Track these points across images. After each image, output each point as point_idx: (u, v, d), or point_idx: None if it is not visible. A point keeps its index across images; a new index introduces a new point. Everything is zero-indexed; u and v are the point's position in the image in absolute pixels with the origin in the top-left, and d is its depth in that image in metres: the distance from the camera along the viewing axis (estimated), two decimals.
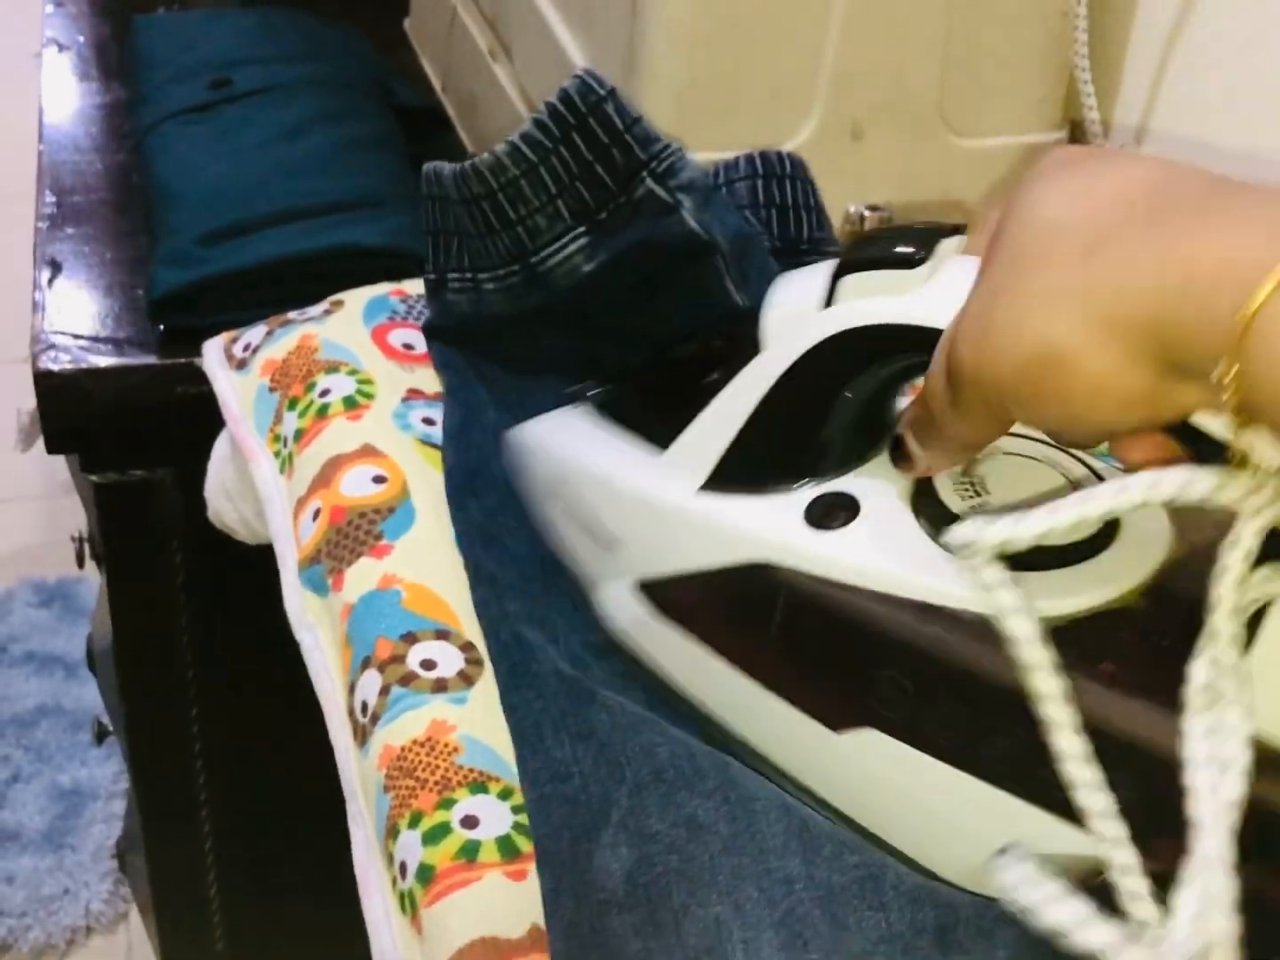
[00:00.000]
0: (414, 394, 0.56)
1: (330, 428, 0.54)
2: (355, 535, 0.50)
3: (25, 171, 0.90)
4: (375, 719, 0.44)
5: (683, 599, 0.42)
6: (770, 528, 0.39)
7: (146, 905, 1.05)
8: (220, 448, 0.63)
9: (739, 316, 0.51)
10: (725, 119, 0.66)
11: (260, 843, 0.93)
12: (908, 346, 0.37)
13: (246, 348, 0.59)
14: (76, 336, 0.72)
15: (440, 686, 0.45)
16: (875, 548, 0.38)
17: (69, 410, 0.71)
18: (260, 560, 0.73)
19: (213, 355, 0.60)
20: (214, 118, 0.80)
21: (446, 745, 0.43)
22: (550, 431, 0.48)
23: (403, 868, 0.41)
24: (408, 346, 0.58)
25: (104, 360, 0.71)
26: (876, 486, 0.39)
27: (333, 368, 0.56)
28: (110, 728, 1.15)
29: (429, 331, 0.57)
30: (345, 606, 0.48)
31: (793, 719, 0.39)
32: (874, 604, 0.37)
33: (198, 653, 0.81)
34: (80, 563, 1.21)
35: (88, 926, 1.31)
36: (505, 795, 0.42)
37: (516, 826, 0.41)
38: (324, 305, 0.60)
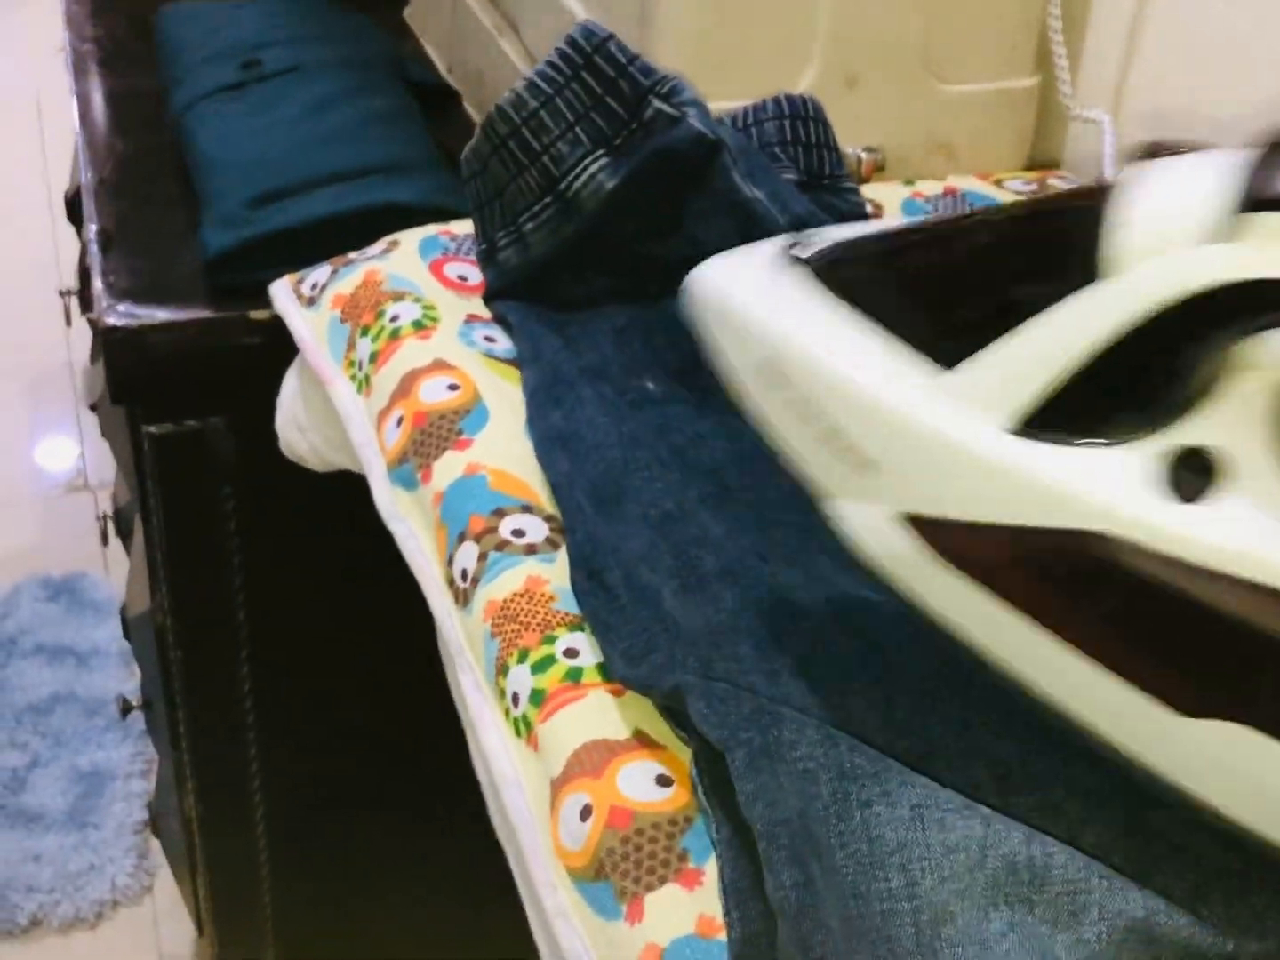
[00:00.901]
0: (473, 318, 0.62)
1: (403, 347, 0.60)
2: (438, 434, 0.56)
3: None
4: (475, 581, 0.51)
5: (977, 550, 0.35)
6: (1108, 490, 0.32)
7: (183, 868, 1.10)
8: (289, 384, 0.68)
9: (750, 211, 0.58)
10: (732, 70, 0.72)
11: (310, 796, 0.98)
12: None
13: (314, 286, 0.65)
14: (133, 296, 0.78)
15: (531, 550, 0.51)
16: (1248, 525, 0.31)
17: (131, 362, 0.77)
18: (312, 505, 0.79)
19: (282, 294, 0.66)
20: (247, 96, 0.86)
21: (543, 595, 0.49)
22: (760, 299, 0.39)
23: (515, 698, 0.47)
24: (462, 278, 0.65)
25: (162, 314, 0.76)
26: (1239, 439, 0.32)
27: (398, 296, 0.62)
28: (135, 702, 1.20)
29: (490, 297, 0.63)
30: (436, 495, 0.54)
31: (1127, 697, 0.34)
32: (1250, 595, 0.31)
33: (250, 599, 0.87)
34: (105, 539, 1.26)
35: (114, 900, 1.36)
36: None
37: None
38: (382, 245, 0.66)
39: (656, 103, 0.59)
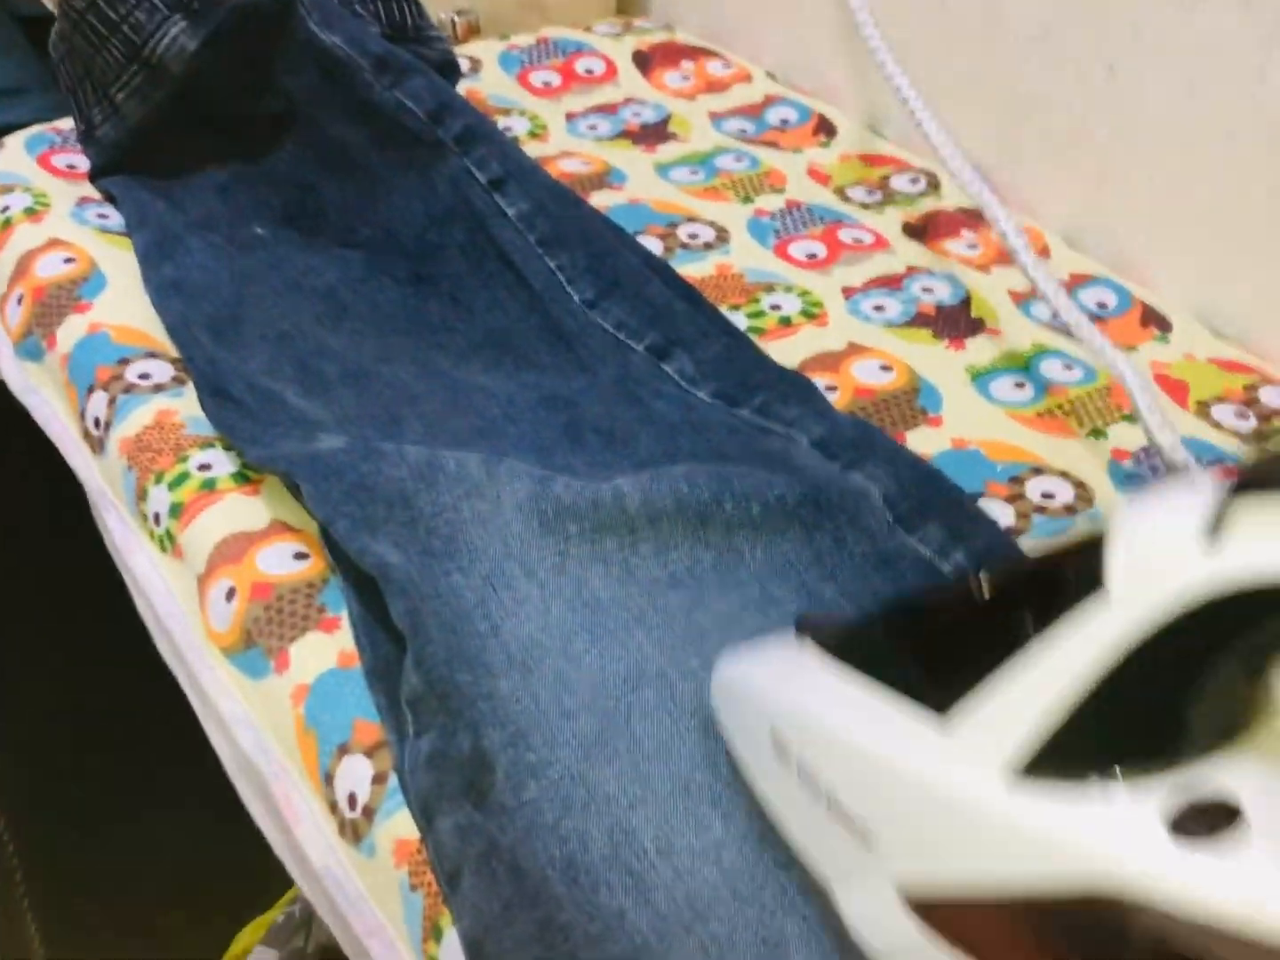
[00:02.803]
0: (86, 199, 0.64)
1: (15, 233, 0.61)
2: (58, 304, 0.58)
3: None
4: (108, 425, 0.53)
5: (981, 931, 0.32)
6: (1119, 843, 0.29)
7: None
8: None
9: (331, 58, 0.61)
10: None
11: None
12: None
13: None
14: None
15: (159, 389, 0.54)
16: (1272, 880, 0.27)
17: None
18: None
19: None
20: None
21: (173, 424, 0.52)
22: (769, 675, 0.38)
23: (156, 517, 0.50)
24: (71, 166, 0.66)
25: None
26: (1259, 782, 0.29)
27: (7, 189, 0.64)
28: None
29: (96, 175, 0.65)
30: (62, 358, 0.56)
31: None
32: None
33: None
34: None
35: None
36: (229, 447, 0.51)
37: (245, 466, 0.50)
38: None
39: None
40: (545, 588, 0.41)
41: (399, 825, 0.39)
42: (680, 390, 0.53)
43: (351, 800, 0.40)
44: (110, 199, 0.63)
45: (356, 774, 0.41)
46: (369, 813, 0.40)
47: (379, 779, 0.40)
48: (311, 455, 0.46)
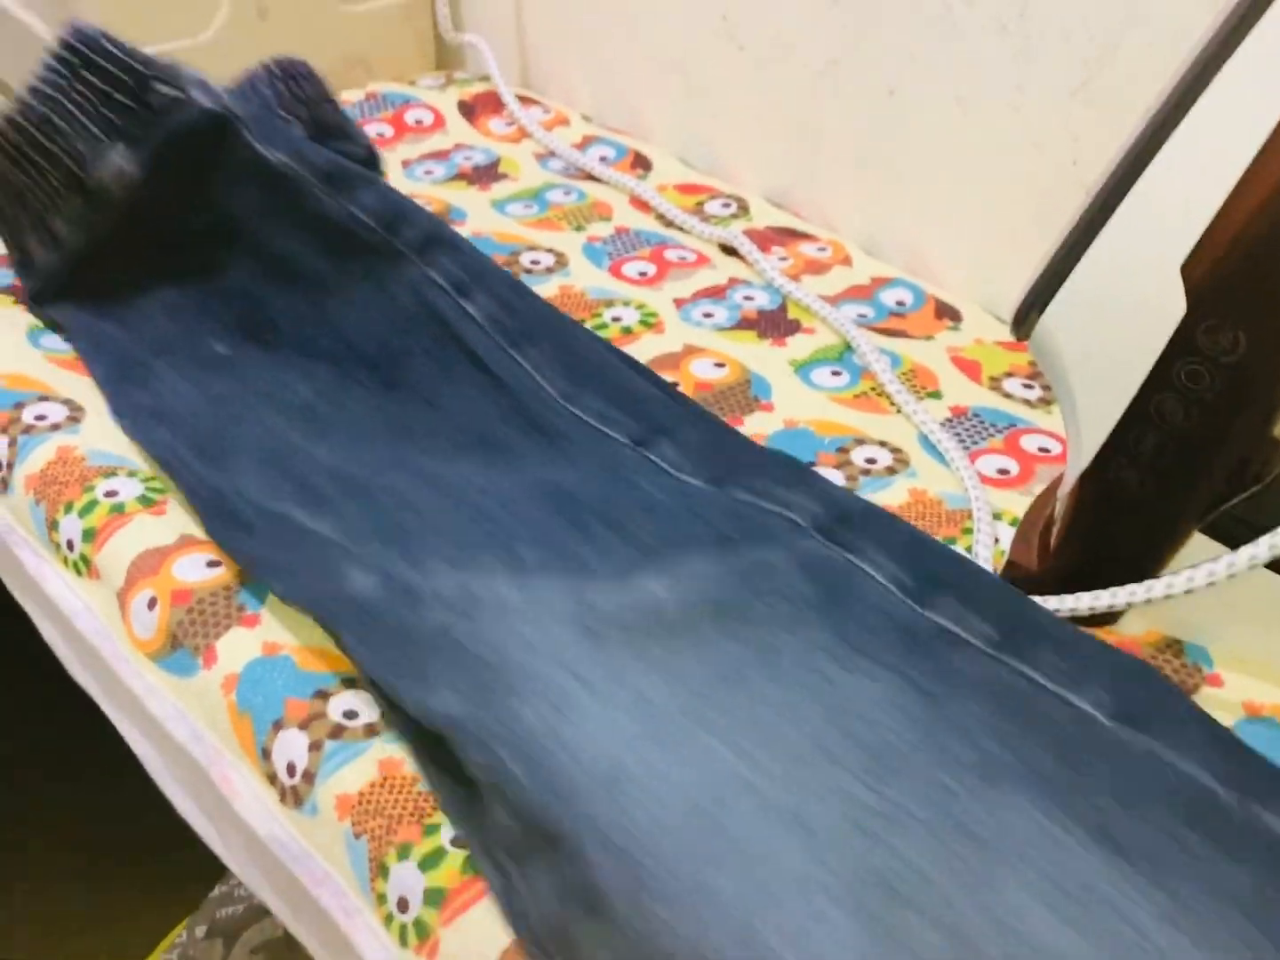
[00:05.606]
0: None
1: None
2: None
3: None
4: (10, 466, 0.57)
5: None
6: None
7: None
8: None
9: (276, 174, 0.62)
10: (153, 14, 0.79)
11: None
12: None
13: None
14: None
15: (55, 428, 0.57)
16: None
17: None
18: None
19: None
20: None
21: (75, 458, 0.56)
22: None
23: (69, 544, 0.54)
24: None
25: None
26: None
27: None
28: None
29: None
30: None
31: None
32: None
33: None
34: None
35: None
36: (133, 475, 0.55)
37: (148, 489, 0.54)
38: None
39: (159, 86, 0.61)
40: (604, 700, 0.41)
41: (339, 783, 0.44)
42: (670, 478, 0.54)
43: (290, 769, 0.45)
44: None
45: (293, 745, 0.45)
46: (309, 777, 0.44)
47: (315, 746, 0.45)
48: (346, 600, 0.46)
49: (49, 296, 0.64)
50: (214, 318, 0.63)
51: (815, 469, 0.56)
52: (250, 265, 0.63)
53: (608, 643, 0.43)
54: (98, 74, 0.61)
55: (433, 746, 0.42)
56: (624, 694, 0.42)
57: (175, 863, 0.98)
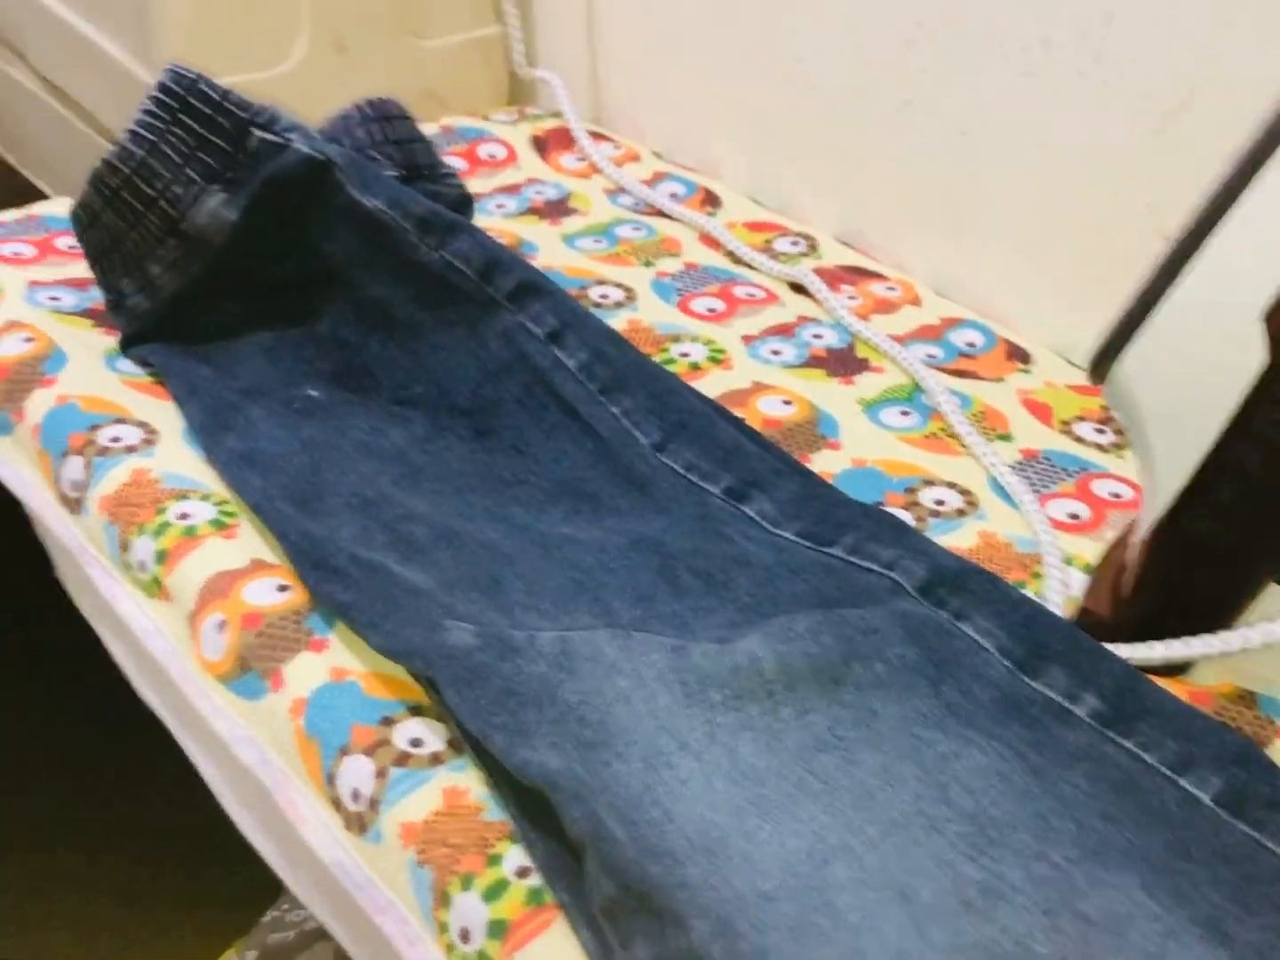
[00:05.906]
0: (35, 284, 0.68)
1: None
2: (23, 380, 0.62)
3: None
4: (85, 487, 0.57)
5: None
6: None
7: None
8: None
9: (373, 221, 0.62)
10: (232, 47, 0.81)
11: None
12: None
13: None
14: None
15: (131, 450, 0.58)
16: None
17: None
18: None
19: None
20: None
21: (150, 480, 0.56)
22: None
23: (141, 565, 0.54)
24: (17, 253, 0.70)
25: None
26: None
27: None
28: None
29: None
30: (33, 428, 0.60)
31: None
32: None
33: None
34: None
35: None
36: (205, 498, 0.56)
37: (220, 512, 0.55)
38: None
39: (258, 133, 0.61)
40: (702, 761, 0.40)
41: (403, 810, 0.44)
42: (765, 532, 0.53)
43: (355, 795, 0.45)
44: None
45: (359, 771, 0.45)
46: (374, 804, 0.45)
47: (380, 774, 0.45)
48: (447, 654, 0.45)
49: (141, 337, 0.64)
50: (308, 363, 0.63)
51: (883, 507, 0.56)
52: (345, 311, 0.63)
53: (706, 703, 0.42)
54: (196, 118, 0.61)
55: (530, 804, 0.42)
56: (723, 757, 0.41)
57: (224, 885, 0.98)
